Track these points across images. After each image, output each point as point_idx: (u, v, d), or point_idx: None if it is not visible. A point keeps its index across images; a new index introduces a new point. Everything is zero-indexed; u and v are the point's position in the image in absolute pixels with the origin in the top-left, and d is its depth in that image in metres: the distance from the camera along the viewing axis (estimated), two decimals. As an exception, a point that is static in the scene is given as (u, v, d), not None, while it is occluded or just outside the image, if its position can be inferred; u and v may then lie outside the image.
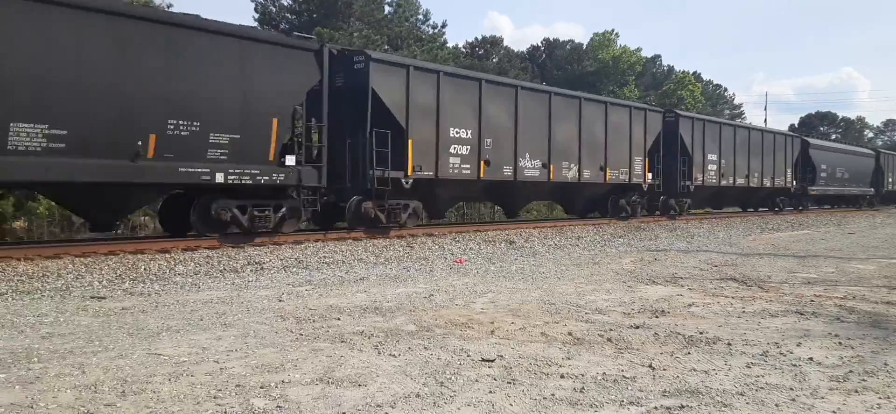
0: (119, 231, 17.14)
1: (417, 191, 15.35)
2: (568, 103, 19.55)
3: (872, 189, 41.44)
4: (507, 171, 17.31)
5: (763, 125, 45.18)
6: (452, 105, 15.77)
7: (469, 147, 16.14)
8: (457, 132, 15.85)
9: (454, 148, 15.77)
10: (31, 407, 3.91)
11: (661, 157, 23.44)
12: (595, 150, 20.28)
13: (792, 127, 73.52)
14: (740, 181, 27.54)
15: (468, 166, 16.16)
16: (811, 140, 35.98)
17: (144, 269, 9.69)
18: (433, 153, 15.29)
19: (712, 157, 25.65)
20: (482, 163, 16.41)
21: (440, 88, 15.40)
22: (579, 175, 19.69)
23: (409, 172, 14.70)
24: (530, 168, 17.94)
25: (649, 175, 22.70)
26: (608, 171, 20.68)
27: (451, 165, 15.73)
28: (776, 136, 31.17)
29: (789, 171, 31.53)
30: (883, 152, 45.74)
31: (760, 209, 31.12)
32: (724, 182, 26.34)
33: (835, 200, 38.98)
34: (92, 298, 7.73)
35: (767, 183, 29.47)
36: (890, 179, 44.09)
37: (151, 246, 11.20)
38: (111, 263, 9.81)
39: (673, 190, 24.04)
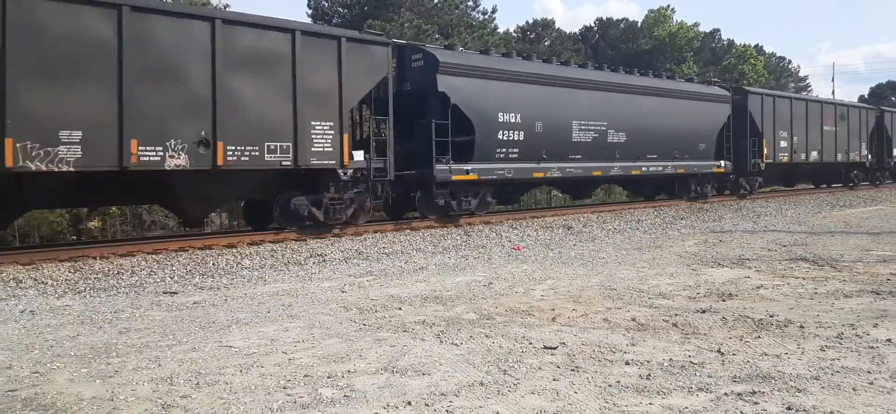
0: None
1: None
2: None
3: None
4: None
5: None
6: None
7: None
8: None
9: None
10: (112, 400, 4.09)
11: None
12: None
13: (862, 98, 70.29)
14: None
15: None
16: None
17: (213, 264, 9.99)
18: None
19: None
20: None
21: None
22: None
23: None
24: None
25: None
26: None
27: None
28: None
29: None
30: None
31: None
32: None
33: None
34: (164, 293, 8.03)
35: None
36: None
37: (219, 241, 11.54)
38: (181, 260, 10.15)
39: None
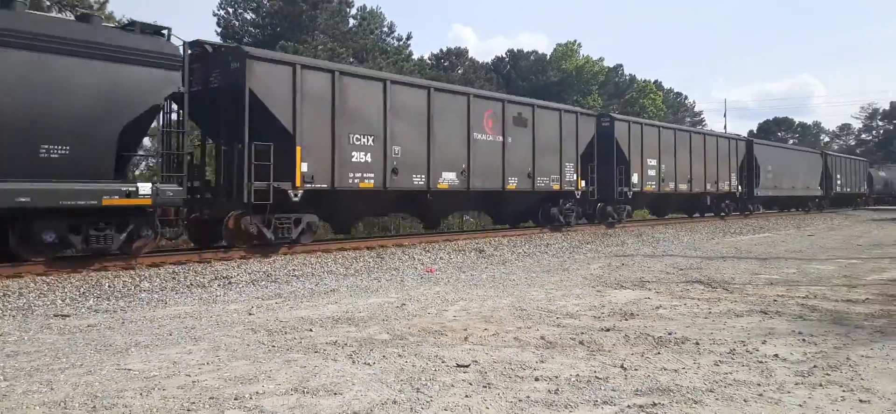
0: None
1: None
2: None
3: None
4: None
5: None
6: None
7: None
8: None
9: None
10: (-2, 426, 3.82)
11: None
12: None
13: (751, 132, 75.19)
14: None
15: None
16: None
17: (108, 286, 9.50)
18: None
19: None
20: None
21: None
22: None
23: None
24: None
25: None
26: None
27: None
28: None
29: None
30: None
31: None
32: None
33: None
34: (56, 316, 7.55)
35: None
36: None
37: (114, 264, 10.98)
38: (74, 282, 9.59)
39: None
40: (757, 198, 32.93)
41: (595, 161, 22.01)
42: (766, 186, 33.46)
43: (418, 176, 15.68)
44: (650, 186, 24.42)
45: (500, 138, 17.95)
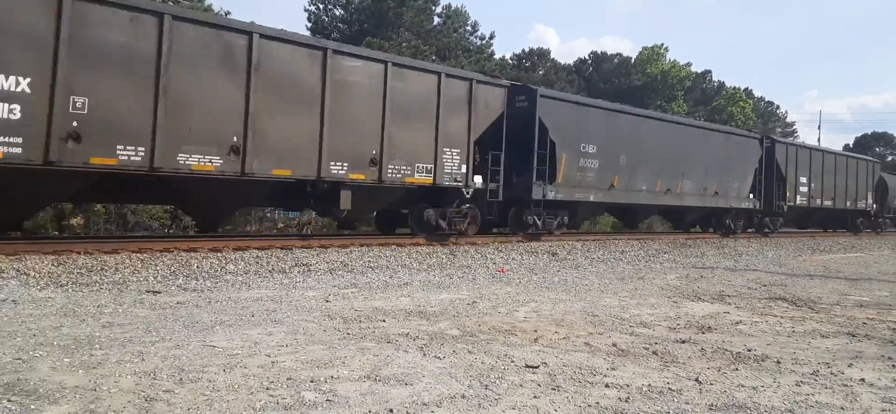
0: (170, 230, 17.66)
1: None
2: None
3: None
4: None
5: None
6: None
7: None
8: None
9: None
10: (94, 390, 4.10)
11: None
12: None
13: (846, 146, 71.39)
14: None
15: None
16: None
17: (197, 266, 9.97)
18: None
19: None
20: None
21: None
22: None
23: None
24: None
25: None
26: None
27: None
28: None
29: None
30: None
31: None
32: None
33: None
34: (148, 291, 8.01)
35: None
36: None
37: (204, 244, 11.51)
38: (165, 260, 10.12)
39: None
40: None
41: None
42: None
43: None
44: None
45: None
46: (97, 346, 5.17)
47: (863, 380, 5.18)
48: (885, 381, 5.18)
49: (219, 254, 11.00)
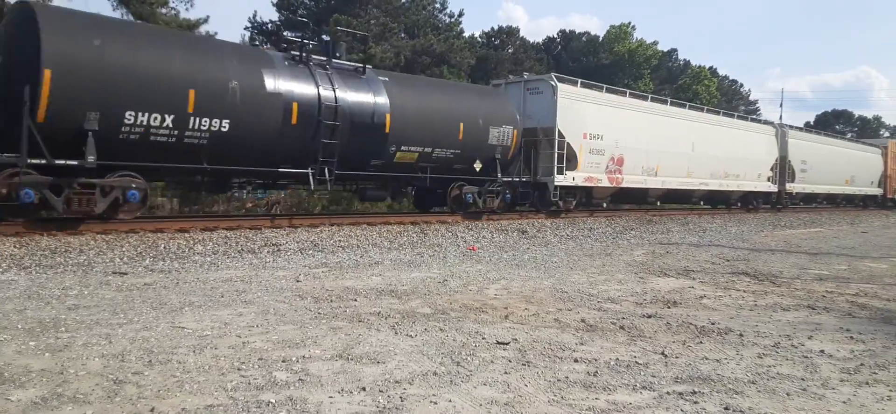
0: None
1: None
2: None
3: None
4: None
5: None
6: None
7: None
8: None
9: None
10: (61, 373, 4.04)
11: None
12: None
13: (807, 124, 72.88)
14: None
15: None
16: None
17: (164, 247, 9.85)
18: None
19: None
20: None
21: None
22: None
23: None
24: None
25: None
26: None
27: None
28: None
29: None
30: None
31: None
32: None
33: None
34: (114, 273, 7.89)
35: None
36: None
37: (170, 225, 11.37)
38: (131, 241, 9.98)
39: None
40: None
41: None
42: None
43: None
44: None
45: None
46: (63, 328, 5.10)
47: (822, 351, 5.34)
48: (844, 352, 5.35)
49: (186, 234, 10.87)
